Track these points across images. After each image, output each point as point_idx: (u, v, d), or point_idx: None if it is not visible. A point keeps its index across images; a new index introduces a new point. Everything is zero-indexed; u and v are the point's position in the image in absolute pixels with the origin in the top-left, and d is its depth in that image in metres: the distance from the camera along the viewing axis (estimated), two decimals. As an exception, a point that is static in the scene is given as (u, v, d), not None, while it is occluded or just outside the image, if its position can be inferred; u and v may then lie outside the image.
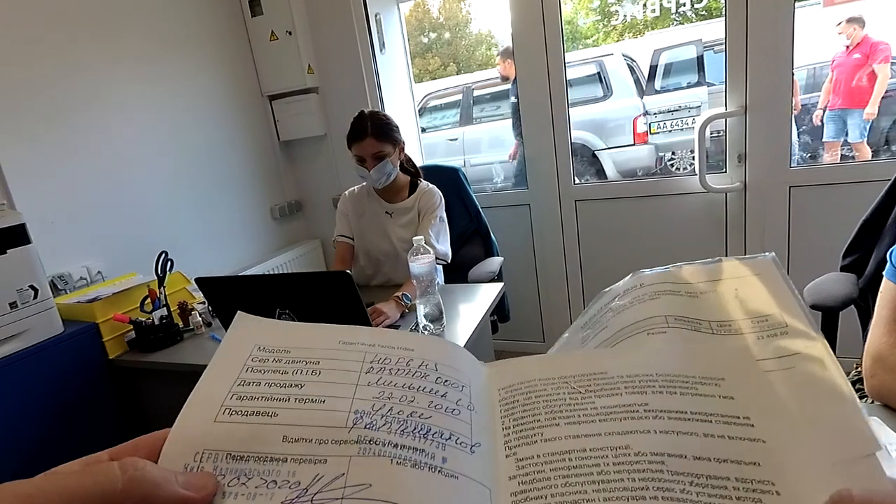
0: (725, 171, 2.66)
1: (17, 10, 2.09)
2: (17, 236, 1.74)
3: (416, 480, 0.26)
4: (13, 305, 1.73)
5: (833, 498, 0.22)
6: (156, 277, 2.01)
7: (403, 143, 2.19)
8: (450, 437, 0.29)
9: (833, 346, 1.68)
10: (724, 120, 2.61)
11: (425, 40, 11.58)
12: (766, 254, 0.40)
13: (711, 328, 0.37)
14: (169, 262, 2.01)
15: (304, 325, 0.36)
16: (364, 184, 2.28)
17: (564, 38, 2.74)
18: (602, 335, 0.40)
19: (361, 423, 0.29)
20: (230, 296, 1.62)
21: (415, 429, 0.29)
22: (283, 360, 0.33)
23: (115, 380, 2.04)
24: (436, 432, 0.29)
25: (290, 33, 3.05)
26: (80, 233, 2.28)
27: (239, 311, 0.36)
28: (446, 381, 0.33)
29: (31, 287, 1.78)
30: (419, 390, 0.32)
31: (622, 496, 0.26)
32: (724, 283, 0.40)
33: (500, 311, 2.60)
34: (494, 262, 2.48)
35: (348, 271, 1.46)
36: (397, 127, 2.15)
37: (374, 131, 2.06)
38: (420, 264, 1.68)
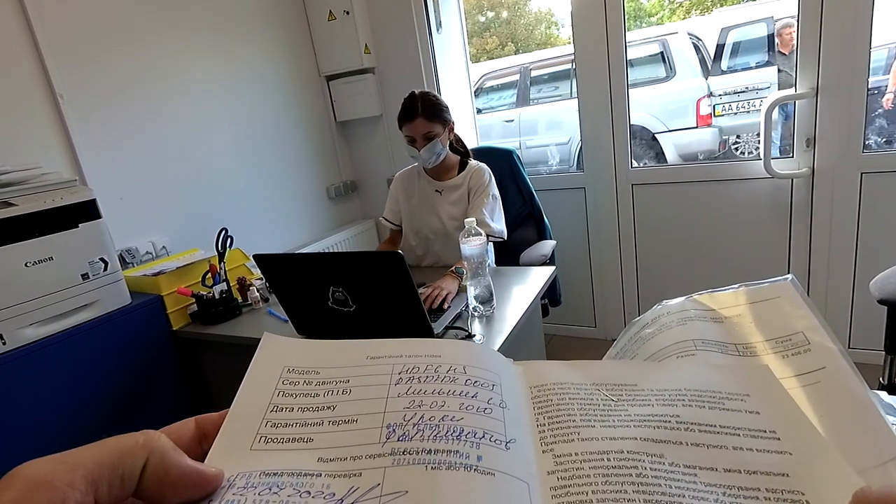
0: (792, 156, 2.54)
1: (90, -7, 2.17)
2: (88, 211, 1.83)
3: (452, 481, 0.26)
4: (85, 277, 1.82)
5: (855, 496, 0.23)
6: (216, 253, 2.08)
7: (453, 122, 2.20)
8: (483, 436, 0.29)
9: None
10: (793, 102, 2.48)
11: (483, 19, 11.44)
12: (786, 276, 0.42)
13: (738, 350, 0.39)
14: (229, 239, 2.08)
15: (331, 342, 0.36)
16: (415, 164, 2.30)
17: (626, 15, 2.66)
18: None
19: (394, 436, 0.29)
20: (286, 273, 1.66)
21: (447, 432, 0.29)
22: (313, 381, 0.33)
23: (179, 350, 2.14)
24: (469, 432, 0.29)
25: (347, 13, 3.07)
26: (146, 209, 2.38)
27: (265, 332, 0.36)
28: (476, 382, 0.33)
29: (102, 260, 1.87)
30: (449, 394, 0.31)
31: (661, 500, 0.26)
32: (747, 308, 0.42)
33: (551, 295, 2.58)
34: (547, 246, 2.45)
35: (400, 251, 1.47)
36: (447, 107, 2.16)
37: (425, 112, 2.08)
38: (471, 246, 1.67)
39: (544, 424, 0.31)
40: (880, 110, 4.70)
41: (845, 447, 0.29)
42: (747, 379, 0.34)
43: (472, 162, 2.30)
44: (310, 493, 0.26)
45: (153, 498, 0.25)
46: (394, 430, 0.29)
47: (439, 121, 2.11)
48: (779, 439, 0.30)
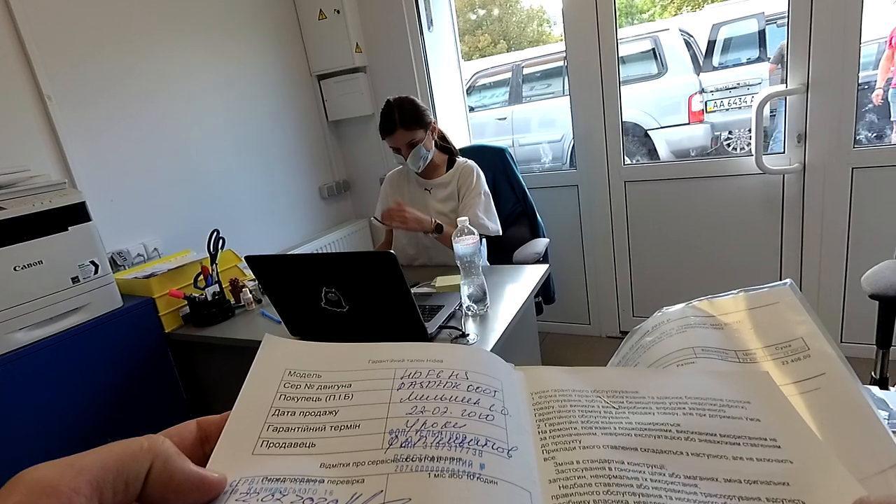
0: (784, 152, 2.54)
1: (78, -6, 2.15)
2: (77, 214, 1.81)
3: (455, 489, 0.26)
4: (75, 280, 1.81)
5: None
6: (208, 255, 2.07)
7: (435, 123, 2.22)
8: (486, 443, 0.29)
9: (889, 338, 1.64)
10: (783, 98, 2.49)
11: (474, 17, 11.42)
12: (785, 281, 0.42)
13: (738, 357, 0.39)
14: (220, 240, 2.06)
15: (333, 345, 0.36)
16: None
17: (617, 12, 2.67)
18: None
19: (397, 442, 0.29)
20: (278, 274, 1.65)
21: (450, 439, 0.29)
22: (315, 385, 0.33)
23: (172, 353, 2.12)
24: (471, 440, 0.29)
25: (338, 12, 3.06)
26: (137, 211, 2.36)
27: (266, 334, 0.36)
28: (478, 388, 0.33)
29: (92, 263, 1.85)
30: (451, 400, 0.31)
31: None
32: (746, 314, 0.42)
33: (545, 293, 2.58)
34: (540, 244, 2.45)
35: (392, 251, 1.46)
36: (425, 110, 2.17)
37: (403, 122, 2.10)
38: (464, 244, 1.67)
39: (546, 431, 0.31)
40: (870, 105, 4.73)
41: (845, 454, 0.29)
42: (748, 386, 0.34)
43: (460, 159, 2.31)
44: (312, 499, 0.26)
45: (157, 503, 0.25)
46: (396, 437, 0.29)
47: (419, 126, 2.13)
48: (779, 447, 0.30)
